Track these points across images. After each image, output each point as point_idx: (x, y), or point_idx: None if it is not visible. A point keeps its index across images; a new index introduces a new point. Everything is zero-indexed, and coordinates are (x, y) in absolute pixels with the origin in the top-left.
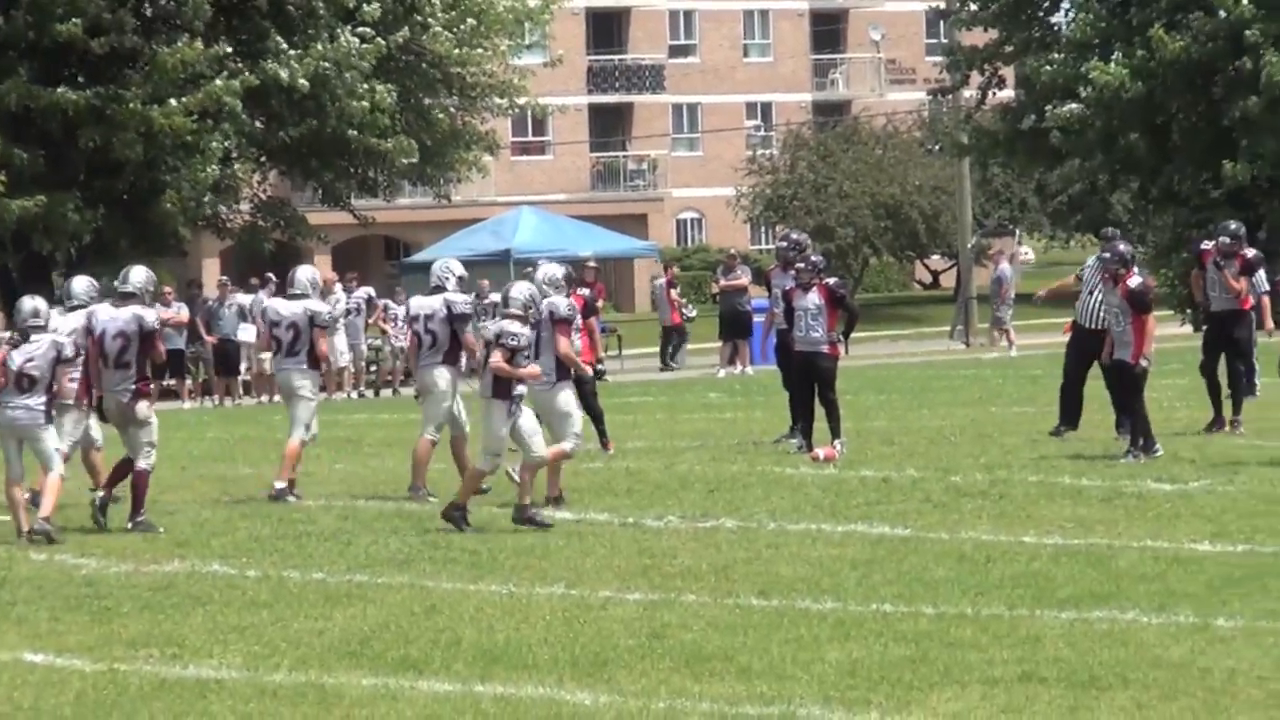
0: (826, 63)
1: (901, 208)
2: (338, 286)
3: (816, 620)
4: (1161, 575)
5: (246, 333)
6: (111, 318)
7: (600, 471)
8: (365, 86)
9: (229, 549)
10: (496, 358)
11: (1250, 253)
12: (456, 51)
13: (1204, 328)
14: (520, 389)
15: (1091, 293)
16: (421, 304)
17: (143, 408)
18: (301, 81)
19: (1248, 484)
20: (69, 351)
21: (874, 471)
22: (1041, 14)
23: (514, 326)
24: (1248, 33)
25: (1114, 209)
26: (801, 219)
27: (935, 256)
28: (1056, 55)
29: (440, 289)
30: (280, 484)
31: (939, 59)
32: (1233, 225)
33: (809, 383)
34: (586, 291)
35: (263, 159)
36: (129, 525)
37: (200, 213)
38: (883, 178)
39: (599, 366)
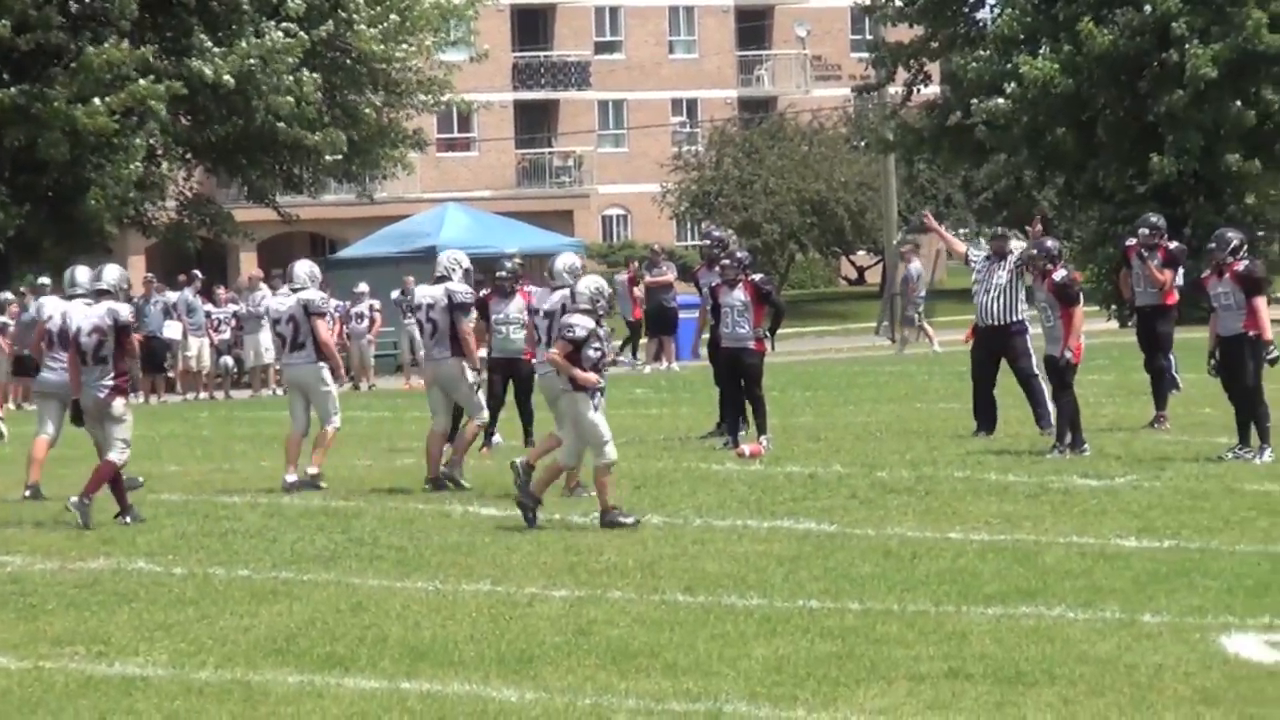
0: (752, 59)
1: (827, 204)
2: (263, 284)
3: (743, 616)
4: (1088, 571)
5: (172, 330)
6: (85, 315)
7: None
8: (290, 78)
9: (155, 546)
10: (554, 350)
11: (1173, 245)
12: (381, 48)
13: (1134, 324)
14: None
15: (987, 291)
16: (425, 293)
17: (119, 405)
18: (227, 78)
19: (1174, 479)
20: None
21: (800, 467)
22: (967, 9)
23: (576, 319)
24: (1174, 25)
25: (1040, 205)
26: (727, 215)
27: (861, 253)
28: (983, 51)
29: (444, 279)
30: (314, 469)
31: (864, 55)
32: (1153, 218)
33: (735, 379)
34: (534, 289)
35: (188, 156)
36: (71, 500)
37: (126, 210)
38: (808, 174)
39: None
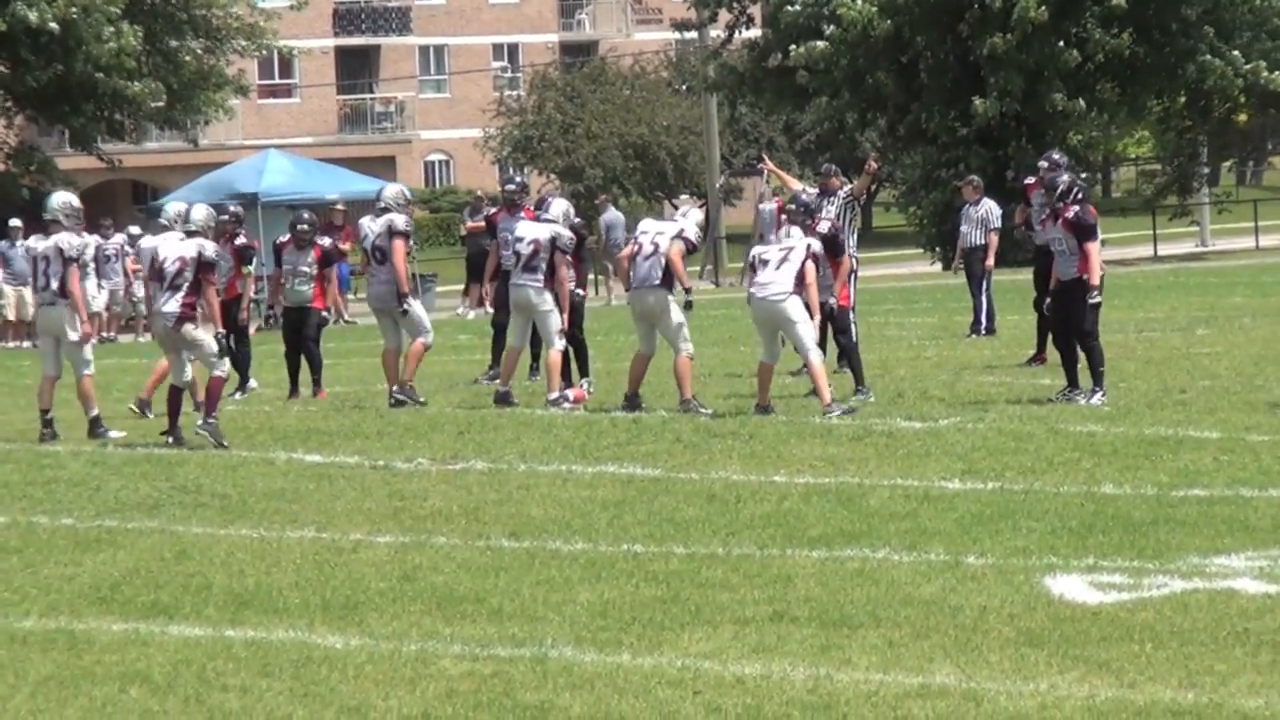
0: (573, 3)
1: (650, 148)
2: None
3: (568, 561)
4: (912, 513)
5: None
6: (176, 247)
7: (350, 414)
8: (111, 29)
9: None
10: None
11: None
12: None
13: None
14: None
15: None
16: (651, 224)
17: (188, 329)
18: (51, 24)
19: (997, 421)
20: None
21: (624, 412)
22: None
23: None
24: None
25: (862, 147)
26: (550, 160)
27: (684, 196)
28: None
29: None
30: (553, 394)
31: None
32: (1055, 155)
33: None
34: (326, 242)
35: (8, 103)
36: (196, 426)
37: None
38: (630, 118)
39: (324, 313)
